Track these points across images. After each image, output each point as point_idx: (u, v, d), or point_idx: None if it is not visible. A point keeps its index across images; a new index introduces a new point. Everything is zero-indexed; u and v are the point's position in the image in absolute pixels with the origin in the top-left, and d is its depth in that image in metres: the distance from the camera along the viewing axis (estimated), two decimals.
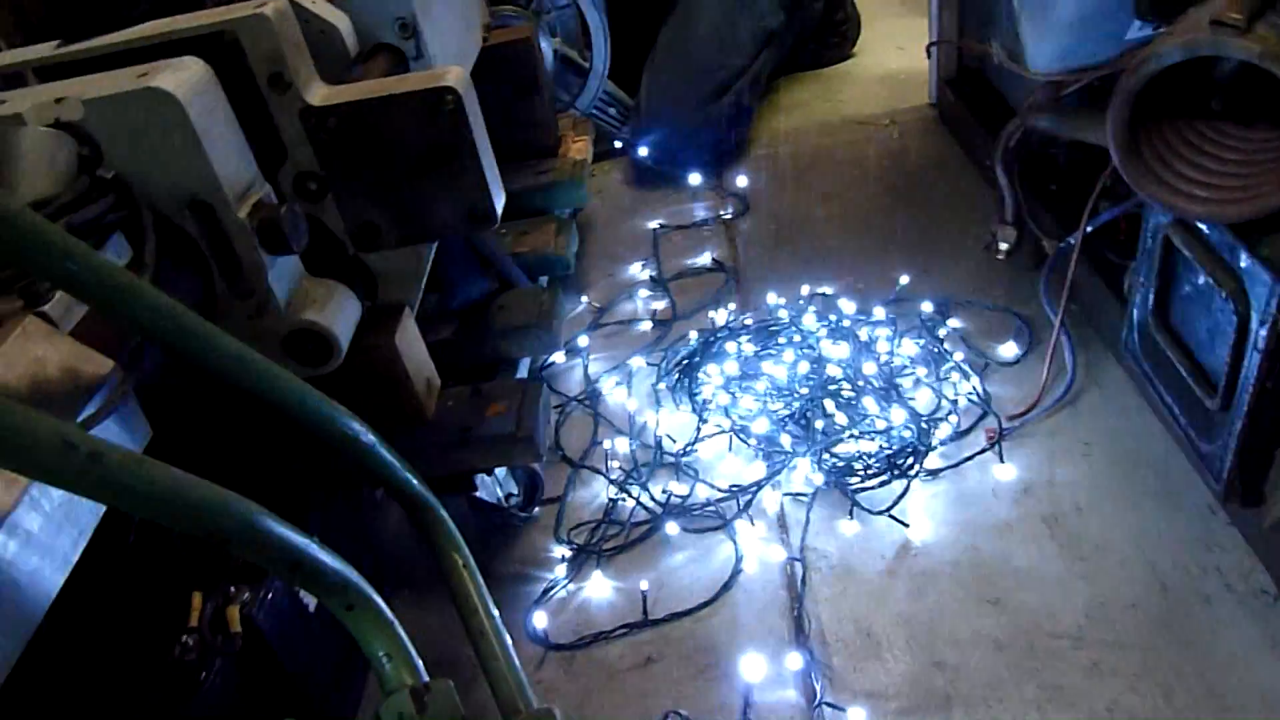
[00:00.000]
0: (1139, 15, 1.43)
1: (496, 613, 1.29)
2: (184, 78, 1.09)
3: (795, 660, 1.48)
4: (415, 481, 1.35)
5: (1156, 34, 1.52)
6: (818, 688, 1.44)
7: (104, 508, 0.90)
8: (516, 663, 1.25)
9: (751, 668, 1.48)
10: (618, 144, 3.11)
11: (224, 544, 0.84)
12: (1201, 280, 1.40)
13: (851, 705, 1.40)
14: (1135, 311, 1.64)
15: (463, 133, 1.27)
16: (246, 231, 1.18)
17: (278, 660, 1.28)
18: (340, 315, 1.34)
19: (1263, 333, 1.25)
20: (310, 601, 1.38)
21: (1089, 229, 1.84)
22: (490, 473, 1.64)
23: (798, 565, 1.64)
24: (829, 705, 1.41)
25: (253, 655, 1.26)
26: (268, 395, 1.11)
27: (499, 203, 1.38)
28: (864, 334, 2.08)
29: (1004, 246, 2.13)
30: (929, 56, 2.96)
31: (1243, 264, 1.28)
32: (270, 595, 1.28)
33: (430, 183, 1.33)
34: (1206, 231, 1.37)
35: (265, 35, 1.24)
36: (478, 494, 1.65)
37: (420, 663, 1.07)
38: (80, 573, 0.89)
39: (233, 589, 1.22)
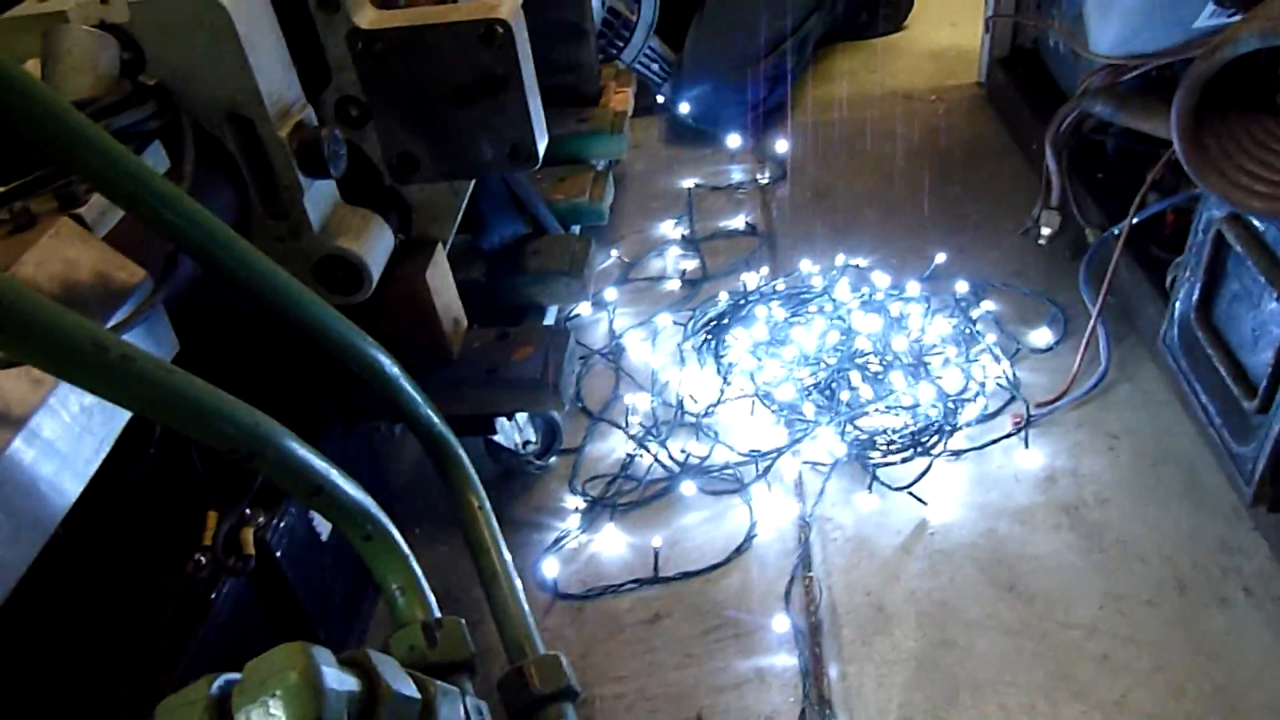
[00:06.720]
0: (1217, 2, 1.39)
1: (509, 556, 1.29)
2: None
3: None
4: (436, 419, 1.34)
5: (1229, 22, 1.48)
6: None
7: (124, 419, 0.89)
8: (526, 607, 1.25)
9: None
10: (659, 99, 3.07)
11: (248, 459, 0.82)
12: (1251, 278, 1.36)
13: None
14: (1178, 306, 1.60)
15: (512, 66, 1.24)
16: (285, 150, 1.16)
17: (288, 586, 1.28)
18: (374, 245, 1.32)
19: None
20: (323, 531, 1.37)
21: (1135, 220, 1.81)
22: (511, 417, 1.63)
23: (812, 532, 1.63)
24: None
25: (264, 579, 1.26)
26: (297, 317, 1.10)
27: (542, 143, 1.36)
28: (896, 309, 2.04)
29: (1046, 231, 2.09)
30: (987, 30, 2.89)
31: None
32: (285, 521, 1.27)
33: (475, 116, 1.30)
34: (1262, 228, 1.34)
35: None
36: (496, 437, 1.64)
37: (433, 598, 1.07)
38: (98, 485, 0.88)
39: (248, 511, 1.21)
